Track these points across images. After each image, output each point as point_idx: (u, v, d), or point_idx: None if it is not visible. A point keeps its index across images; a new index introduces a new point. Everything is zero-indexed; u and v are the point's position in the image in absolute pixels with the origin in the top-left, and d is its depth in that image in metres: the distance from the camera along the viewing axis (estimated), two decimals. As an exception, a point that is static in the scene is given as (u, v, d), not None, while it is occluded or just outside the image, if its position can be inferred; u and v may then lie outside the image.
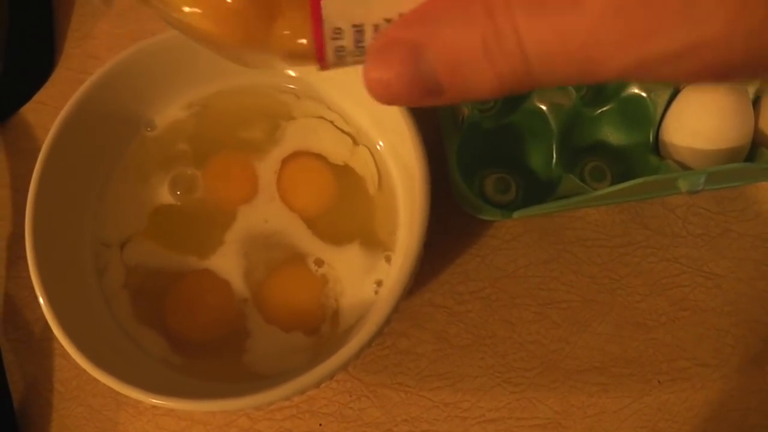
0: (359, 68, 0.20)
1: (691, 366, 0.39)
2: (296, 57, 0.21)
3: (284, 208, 0.37)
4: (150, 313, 0.36)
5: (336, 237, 0.37)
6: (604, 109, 0.41)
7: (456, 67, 0.17)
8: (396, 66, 0.18)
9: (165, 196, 0.38)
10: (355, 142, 0.38)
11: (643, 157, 0.40)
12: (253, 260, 0.36)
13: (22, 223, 0.34)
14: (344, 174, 0.38)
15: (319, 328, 0.36)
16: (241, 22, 0.20)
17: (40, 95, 0.45)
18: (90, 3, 0.47)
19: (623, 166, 0.41)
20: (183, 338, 0.36)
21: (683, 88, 0.39)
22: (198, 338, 0.36)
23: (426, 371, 0.39)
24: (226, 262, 0.36)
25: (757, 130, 0.38)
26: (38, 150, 0.34)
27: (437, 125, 0.38)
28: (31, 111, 0.45)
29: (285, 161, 0.38)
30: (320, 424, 0.38)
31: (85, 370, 0.31)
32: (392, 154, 0.37)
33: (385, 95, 0.19)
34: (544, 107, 0.38)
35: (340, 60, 0.21)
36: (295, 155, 0.39)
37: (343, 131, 0.39)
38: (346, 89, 0.38)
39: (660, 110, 0.39)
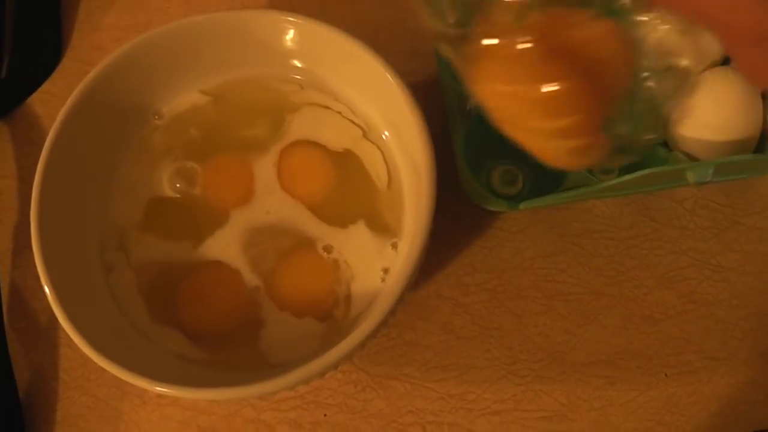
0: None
1: (699, 359, 0.39)
2: None
3: (287, 197, 0.37)
4: (164, 310, 0.36)
5: (341, 219, 0.37)
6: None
7: None
8: None
9: (165, 188, 0.38)
10: (365, 136, 0.38)
11: (651, 149, 0.39)
12: (261, 249, 0.36)
13: (28, 213, 0.34)
14: (346, 159, 0.38)
15: (332, 313, 0.35)
16: None
17: (47, 86, 0.45)
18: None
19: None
20: (198, 332, 0.36)
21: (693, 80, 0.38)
22: (213, 330, 0.36)
23: (431, 363, 0.38)
24: (233, 252, 0.36)
25: (765, 122, 0.37)
26: (45, 140, 0.35)
27: (444, 116, 0.38)
28: (38, 102, 0.45)
29: (284, 150, 0.38)
30: (325, 415, 0.38)
31: (90, 360, 0.31)
32: (398, 144, 0.37)
33: None
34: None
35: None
36: (294, 144, 0.39)
37: (353, 122, 0.39)
38: (351, 79, 0.38)
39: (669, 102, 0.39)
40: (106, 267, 0.37)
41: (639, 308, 0.39)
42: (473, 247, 0.40)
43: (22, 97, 0.45)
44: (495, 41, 0.29)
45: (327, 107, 0.39)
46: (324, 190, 0.37)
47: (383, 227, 0.37)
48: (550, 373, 0.38)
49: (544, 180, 0.40)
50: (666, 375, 0.38)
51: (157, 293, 0.36)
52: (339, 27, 0.36)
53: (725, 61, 0.38)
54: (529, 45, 0.28)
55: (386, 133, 0.38)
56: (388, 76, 0.34)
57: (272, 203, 0.37)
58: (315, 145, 0.38)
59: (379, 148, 0.38)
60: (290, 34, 0.37)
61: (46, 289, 0.32)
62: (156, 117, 0.39)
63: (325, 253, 0.36)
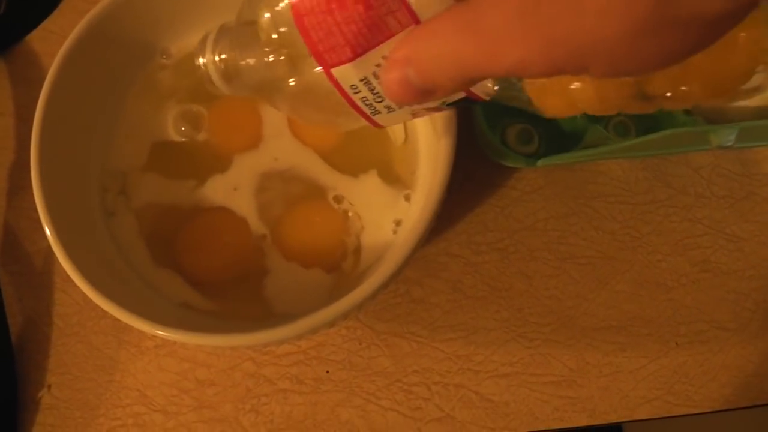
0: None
1: (710, 329, 0.38)
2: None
3: (297, 143, 0.36)
4: (166, 255, 0.35)
5: (353, 167, 0.36)
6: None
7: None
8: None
9: (170, 131, 0.37)
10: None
11: (670, 113, 0.38)
12: (270, 195, 0.35)
13: (25, 153, 0.32)
14: None
15: (340, 265, 0.34)
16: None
17: (48, 23, 0.43)
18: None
19: (649, 121, 0.39)
20: (200, 278, 0.35)
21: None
22: (216, 277, 0.35)
23: (439, 322, 0.37)
24: (238, 198, 0.35)
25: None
26: (44, 79, 0.33)
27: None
28: (38, 39, 0.43)
29: None
30: (327, 371, 0.37)
31: (86, 307, 0.30)
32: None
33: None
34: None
35: (369, 107, 0.25)
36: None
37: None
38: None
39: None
40: (107, 212, 0.36)
41: (652, 275, 0.38)
42: (485, 205, 0.39)
43: (21, 34, 0.43)
44: None
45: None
46: (336, 135, 0.36)
47: (396, 178, 0.36)
48: (559, 337, 0.37)
49: (560, 139, 0.38)
50: (677, 344, 0.38)
51: (159, 237, 0.35)
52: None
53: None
54: None
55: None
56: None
57: (281, 149, 0.36)
58: None
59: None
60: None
61: (46, 229, 0.31)
62: (164, 56, 0.37)
63: (336, 203, 0.35)
